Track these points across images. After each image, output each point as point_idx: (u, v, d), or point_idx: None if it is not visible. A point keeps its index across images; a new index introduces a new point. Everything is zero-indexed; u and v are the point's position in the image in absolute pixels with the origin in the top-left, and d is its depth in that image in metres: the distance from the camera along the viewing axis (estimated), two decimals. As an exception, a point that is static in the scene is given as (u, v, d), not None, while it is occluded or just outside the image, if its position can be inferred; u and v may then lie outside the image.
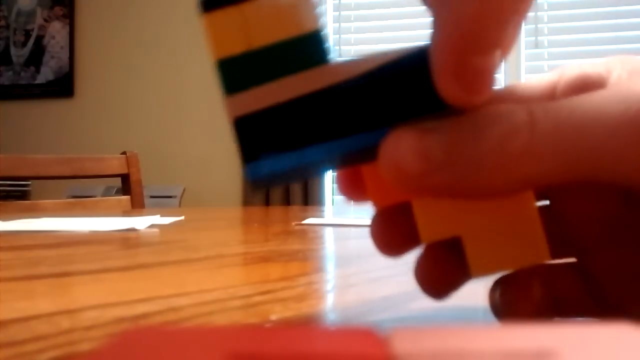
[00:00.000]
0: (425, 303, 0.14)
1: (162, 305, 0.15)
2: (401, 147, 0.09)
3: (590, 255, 0.11)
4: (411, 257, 0.11)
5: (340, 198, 1.30)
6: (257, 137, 0.10)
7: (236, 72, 0.10)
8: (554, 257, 0.10)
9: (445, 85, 0.09)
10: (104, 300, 0.15)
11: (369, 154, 0.10)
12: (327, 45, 0.10)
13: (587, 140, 0.09)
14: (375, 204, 0.11)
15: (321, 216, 0.55)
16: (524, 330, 0.06)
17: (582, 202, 0.11)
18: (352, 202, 0.12)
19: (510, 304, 0.11)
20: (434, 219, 0.10)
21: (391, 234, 0.11)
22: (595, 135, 0.09)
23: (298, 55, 0.10)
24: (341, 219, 0.49)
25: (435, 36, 0.09)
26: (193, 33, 1.40)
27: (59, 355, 0.10)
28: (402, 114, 0.10)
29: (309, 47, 0.10)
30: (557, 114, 0.09)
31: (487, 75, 0.09)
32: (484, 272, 0.10)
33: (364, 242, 0.32)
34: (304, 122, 0.10)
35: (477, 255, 0.10)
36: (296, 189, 1.26)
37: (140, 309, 0.14)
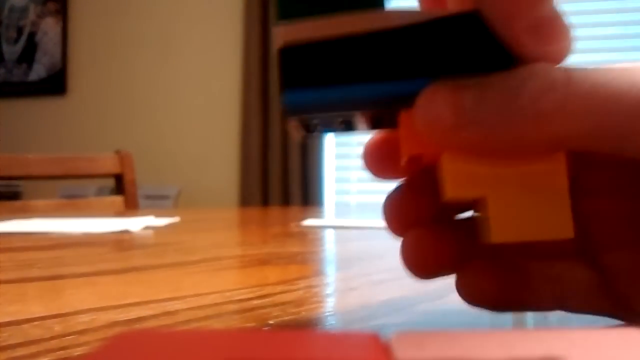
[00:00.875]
0: (429, 307, 0.14)
1: (156, 309, 0.14)
2: (437, 99, 0.09)
3: (607, 251, 0.11)
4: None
5: (340, 199, 1.30)
6: (300, 66, 0.10)
7: (292, 2, 0.10)
8: (569, 251, 0.10)
9: (522, 42, 0.09)
10: (97, 303, 0.15)
11: (407, 102, 0.10)
12: None
13: (621, 107, 0.09)
14: (407, 154, 0.11)
15: (321, 217, 0.55)
16: (530, 336, 0.06)
17: (605, 199, 0.11)
18: (376, 178, 0.12)
19: (463, 290, 0.11)
20: (462, 176, 0.10)
21: (403, 211, 0.11)
22: (628, 104, 0.09)
23: None
24: (342, 220, 0.49)
25: (486, 5, 0.09)
26: (188, 31, 1.39)
27: (51, 359, 0.10)
28: (448, 68, 0.10)
29: None
30: (595, 77, 0.09)
31: (556, 21, 0.09)
32: (504, 238, 0.10)
33: (365, 244, 0.31)
34: (349, 60, 0.10)
35: (499, 220, 0.10)
36: (295, 189, 1.25)
37: (134, 312, 0.14)
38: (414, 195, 0.11)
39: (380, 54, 0.10)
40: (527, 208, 0.10)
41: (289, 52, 0.10)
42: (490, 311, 0.12)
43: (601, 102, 0.09)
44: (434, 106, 0.09)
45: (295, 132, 0.11)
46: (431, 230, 0.11)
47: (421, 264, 0.11)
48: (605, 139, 0.09)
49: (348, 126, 0.11)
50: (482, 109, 0.09)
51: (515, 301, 0.11)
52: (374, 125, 0.12)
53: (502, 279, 0.11)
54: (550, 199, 0.10)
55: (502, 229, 0.10)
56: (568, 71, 0.09)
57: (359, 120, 0.11)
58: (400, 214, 0.12)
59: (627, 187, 0.11)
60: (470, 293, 0.11)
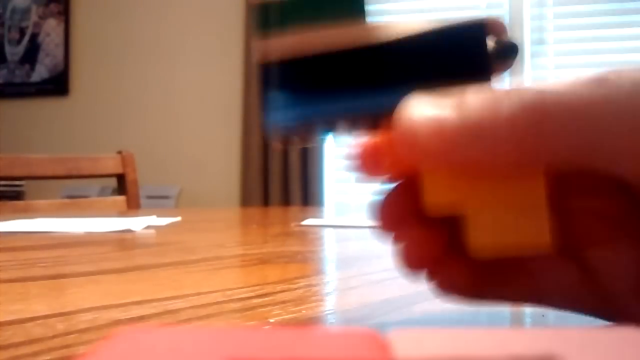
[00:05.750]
0: (428, 306, 0.14)
1: (158, 307, 0.14)
2: (415, 121, 0.09)
3: (591, 248, 0.11)
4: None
5: (340, 199, 1.30)
6: (280, 84, 0.10)
7: (271, 18, 0.10)
8: (553, 247, 0.10)
9: None
10: (99, 302, 0.15)
11: (386, 112, 0.10)
12: (365, 5, 0.10)
13: (591, 127, 0.09)
14: (394, 169, 0.11)
15: (321, 217, 0.55)
16: (527, 335, 0.06)
17: (589, 197, 0.11)
18: (366, 178, 0.12)
19: (435, 282, 0.11)
20: (441, 191, 0.10)
21: (394, 212, 0.11)
22: (597, 126, 0.09)
23: (334, 10, 0.10)
24: (341, 219, 0.49)
25: None
26: (189, 32, 1.40)
27: (54, 358, 0.10)
28: (425, 81, 0.10)
29: (346, 5, 0.10)
30: (569, 100, 0.09)
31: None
32: (483, 252, 0.10)
33: (365, 243, 0.31)
34: (329, 76, 0.10)
35: (478, 235, 0.10)
36: (295, 189, 1.25)
37: (136, 311, 0.14)
38: (407, 192, 0.11)
39: (358, 68, 0.10)
40: (506, 223, 0.10)
41: (268, 70, 0.10)
42: (464, 303, 0.12)
43: (574, 124, 0.09)
44: (413, 129, 0.09)
45: (275, 145, 0.11)
46: (423, 226, 0.11)
47: (417, 259, 0.11)
48: (581, 157, 0.09)
49: (324, 137, 0.11)
50: (462, 132, 0.09)
51: (491, 294, 0.11)
52: (352, 132, 0.11)
53: (475, 272, 0.11)
54: (529, 214, 0.10)
55: (481, 244, 0.10)
56: (542, 91, 0.09)
57: (338, 130, 0.11)
58: (395, 212, 0.11)
59: (613, 185, 0.11)
60: (441, 285, 0.11)
